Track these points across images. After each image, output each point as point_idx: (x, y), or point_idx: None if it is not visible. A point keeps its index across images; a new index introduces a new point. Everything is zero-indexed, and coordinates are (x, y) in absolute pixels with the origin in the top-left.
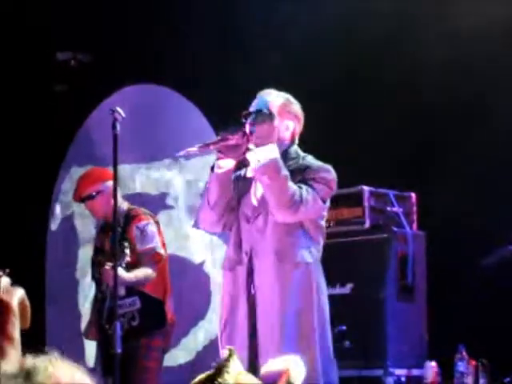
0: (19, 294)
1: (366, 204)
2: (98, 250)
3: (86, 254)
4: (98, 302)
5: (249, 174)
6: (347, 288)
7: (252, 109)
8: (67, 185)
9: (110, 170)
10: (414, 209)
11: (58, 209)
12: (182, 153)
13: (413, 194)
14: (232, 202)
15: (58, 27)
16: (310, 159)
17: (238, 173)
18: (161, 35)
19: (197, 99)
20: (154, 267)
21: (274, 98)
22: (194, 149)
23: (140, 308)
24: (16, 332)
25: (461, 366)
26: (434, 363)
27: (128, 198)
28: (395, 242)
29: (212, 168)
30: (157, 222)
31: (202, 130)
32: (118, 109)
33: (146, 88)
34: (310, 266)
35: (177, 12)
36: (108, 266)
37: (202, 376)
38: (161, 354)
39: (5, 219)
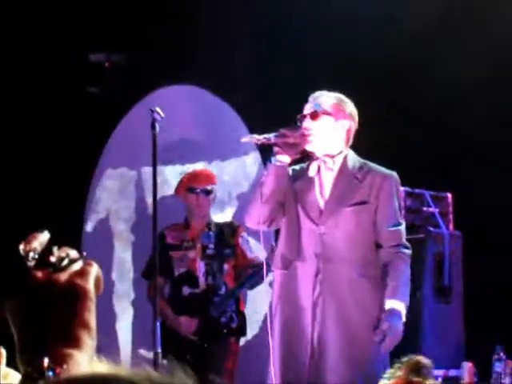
0: (94, 272)
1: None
2: (171, 246)
3: (122, 255)
4: (186, 296)
5: (311, 174)
6: None
7: (306, 111)
8: (101, 187)
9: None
10: (451, 209)
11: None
12: (245, 139)
13: (449, 194)
14: (283, 198)
15: (91, 28)
16: (376, 168)
17: (295, 170)
18: (195, 35)
19: (231, 100)
20: None
21: (326, 98)
22: (258, 137)
23: (235, 310)
24: (93, 320)
25: (498, 367)
26: (470, 364)
27: (165, 199)
28: (431, 243)
29: (269, 161)
30: None
31: (237, 131)
32: (158, 109)
33: (180, 89)
34: (381, 284)
35: (213, 11)
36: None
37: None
38: (237, 360)
39: (39, 221)
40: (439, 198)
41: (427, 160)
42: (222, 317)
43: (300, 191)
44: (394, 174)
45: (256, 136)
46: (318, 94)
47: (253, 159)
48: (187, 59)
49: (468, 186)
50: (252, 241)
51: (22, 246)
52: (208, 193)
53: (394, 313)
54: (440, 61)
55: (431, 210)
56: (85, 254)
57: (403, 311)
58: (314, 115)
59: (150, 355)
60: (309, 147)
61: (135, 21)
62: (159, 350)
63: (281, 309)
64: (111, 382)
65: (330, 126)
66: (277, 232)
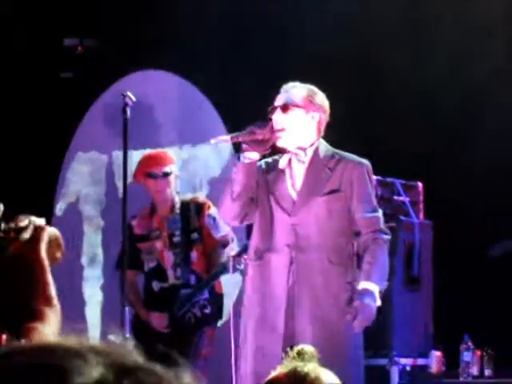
0: (45, 237)
1: None
2: (138, 237)
3: (92, 240)
4: (156, 291)
5: (281, 166)
6: None
7: (277, 103)
8: (71, 171)
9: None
10: (421, 198)
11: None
12: (214, 140)
13: (419, 183)
14: (254, 193)
15: (65, 13)
16: (347, 156)
17: (266, 163)
18: (169, 20)
19: (203, 85)
20: None
21: (297, 90)
22: (225, 138)
23: (208, 298)
24: (50, 289)
25: (466, 356)
26: (439, 353)
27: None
28: (402, 232)
29: (238, 158)
30: None
31: (208, 116)
32: (129, 93)
33: (152, 74)
34: (354, 270)
35: None
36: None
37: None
38: (214, 343)
39: (10, 205)
40: (410, 186)
41: (398, 149)
42: (186, 314)
43: (272, 183)
44: (366, 161)
45: (223, 137)
46: (289, 85)
47: (225, 144)
48: (160, 44)
49: (438, 174)
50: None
51: None
52: (167, 175)
53: (366, 292)
54: (411, 52)
55: (402, 198)
56: (34, 219)
57: (377, 293)
58: (285, 108)
59: (119, 341)
60: (279, 142)
61: (109, 5)
62: (127, 336)
63: (255, 300)
64: (55, 349)
65: (300, 119)
66: (248, 228)
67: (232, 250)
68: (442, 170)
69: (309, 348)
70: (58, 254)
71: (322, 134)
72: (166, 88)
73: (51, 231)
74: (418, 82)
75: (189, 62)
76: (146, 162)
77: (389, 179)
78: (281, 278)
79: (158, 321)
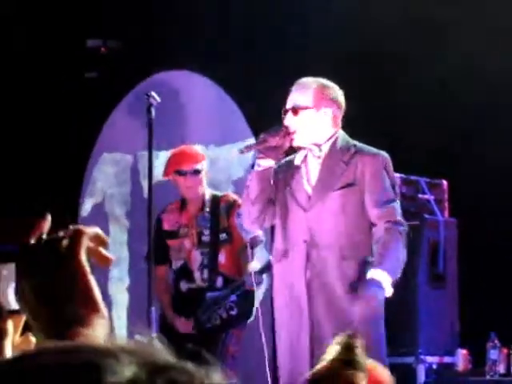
0: (84, 242)
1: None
2: (167, 233)
3: (118, 240)
4: (184, 291)
5: (296, 162)
6: None
7: (288, 106)
8: (97, 172)
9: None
10: (446, 196)
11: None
12: (232, 155)
13: (444, 181)
14: (272, 195)
15: (89, 14)
16: (363, 149)
17: (285, 162)
18: (193, 21)
19: (226, 85)
20: None
21: (306, 88)
22: (240, 150)
23: (236, 300)
24: (96, 295)
25: (493, 354)
26: (465, 351)
27: (161, 183)
28: (427, 230)
29: (252, 166)
30: None
31: (232, 116)
32: (153, 93)
33: (177, 74)
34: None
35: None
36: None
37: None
38: (241, 342)
39: (36, 205)
40: (434, 184)
41: (423, 146)
42: (212, 316)
43: (289, 181)
44: (382, 152)
45: (239, 150)
46: (299, 82)
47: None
48: (184, 45)
49: (463, 172)
50: None
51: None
52: (198, 172)
53: (372, 282)
54: (436, 45)
55: (426, 197)
56: (72, 227)
57: (385, 281)
58: (295, 111)
59: (146, 341)
60: (294, 144)
61: (133, 6)
62: (154, 335)
63: (281, 300)
64: (87, 348)
65: (311, 118)
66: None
67: (257, 263)
68: (467, 168)
69: (354, 340)
70: (106, 254)
71: (340, 126)
72: (190, 87)
73: (91, 232)
74: (441, 78)
75: (213, 62)
76: (176, 158)
77: (413, 177)
78: (299, 274)
79: (184, 326)
